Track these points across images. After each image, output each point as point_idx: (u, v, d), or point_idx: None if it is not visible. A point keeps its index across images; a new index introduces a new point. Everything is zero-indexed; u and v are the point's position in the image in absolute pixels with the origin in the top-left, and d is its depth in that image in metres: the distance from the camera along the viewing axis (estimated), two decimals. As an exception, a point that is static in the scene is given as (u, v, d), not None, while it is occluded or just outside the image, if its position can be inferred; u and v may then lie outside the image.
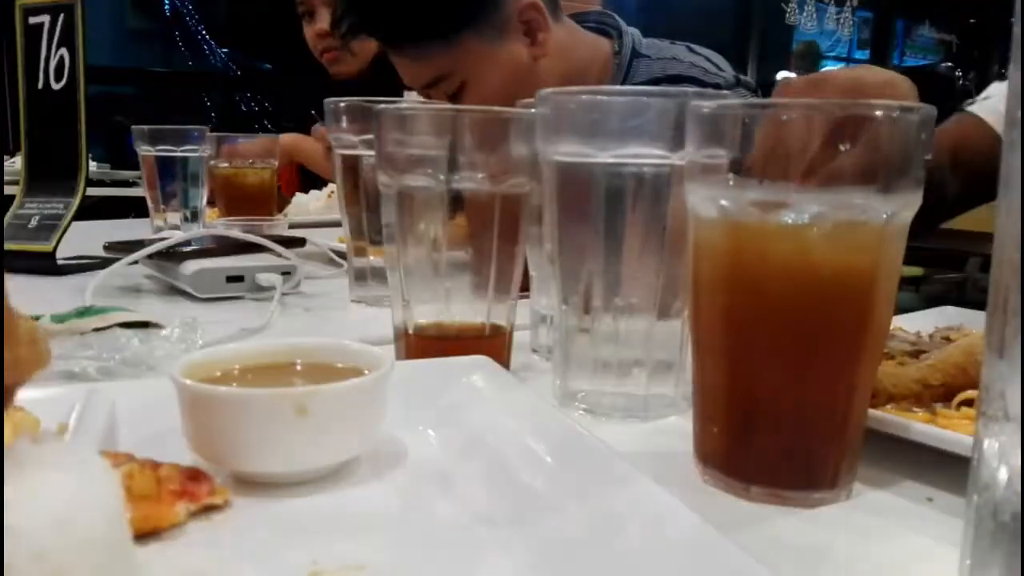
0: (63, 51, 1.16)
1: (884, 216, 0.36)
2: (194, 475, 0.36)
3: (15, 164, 1.87)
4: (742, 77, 1.16)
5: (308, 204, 1.57)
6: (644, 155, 0.48)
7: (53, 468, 0.24)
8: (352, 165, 0.84)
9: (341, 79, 1.70)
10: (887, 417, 0.43)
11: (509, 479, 0.39)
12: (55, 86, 1.14)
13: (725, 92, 1.10)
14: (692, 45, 1.19)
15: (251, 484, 0.38)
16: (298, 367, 0.44)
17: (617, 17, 1.24)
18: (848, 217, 0.36)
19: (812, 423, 0.39)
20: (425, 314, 0.59)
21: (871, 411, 0.42)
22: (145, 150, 1.30)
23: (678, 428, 0.49)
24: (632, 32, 1.21)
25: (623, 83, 1.14)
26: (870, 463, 0.43)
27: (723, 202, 0.39)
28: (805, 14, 5.47)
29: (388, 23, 1.11)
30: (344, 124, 0.83)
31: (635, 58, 1.16)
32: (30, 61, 1.18)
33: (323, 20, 1.59)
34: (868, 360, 0.39)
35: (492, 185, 0.57)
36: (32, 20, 1.21)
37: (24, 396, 0.29)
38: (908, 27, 6.00)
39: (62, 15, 1.18)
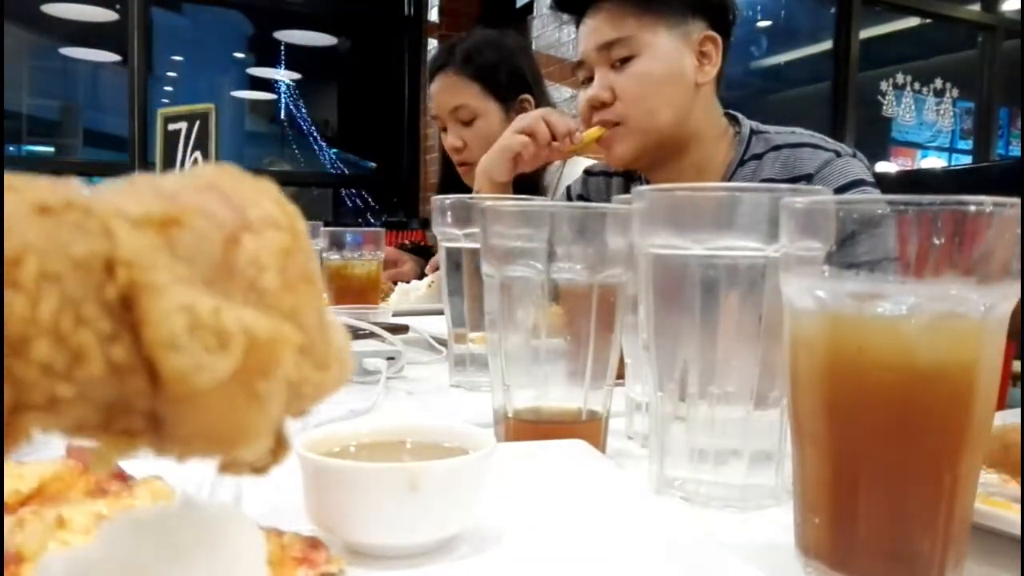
0: (197, 153, 1.29)
1: (982, 308, 0.37)
2: (313, 544, 0.39)
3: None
4: (856, 151, 1.19)
5: (410, 293, 1.64)
6: (738, 247, 0.50)
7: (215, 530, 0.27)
8: (455, 258, 0.89)
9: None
10: (995, 512, 0.42)
11: (604, 563, 0.39)
12: (189, 185, 1.26)
13: (845, 158, 1.13)
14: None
15: (363, 555, 0.41)
16: (408, 445, 0.47)
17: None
18: (945, 309, 0.37)
19: (915, 516, 0.38)
20: (524, 399, 0.61)
21: (979, 506, 0.41)
22: (263, 243, 1.39)
23: (778, 519, 0.49)
24: (749, 121, 1.26)
25: (744, 154, 1.20)
26: (980, 559, 0.42)
27: (819, 293, 0.40)
28: (903, 106, 5.41)
29: None
30: (449, 219, 0.89)
31: (754, 134, 1.21)
32: (168, 163, 1.31)
33: (454, 136, 1.71)
34: (971, 453, 0.38)
35: (589, 275, 0.59)
36: (171, 127, 1.35)
37: (157, 465, 0.32)
38: (1012, 115, 5.84)
39: (198, 122, 1.32)
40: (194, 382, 0.18)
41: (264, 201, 0.22)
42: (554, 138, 1.33)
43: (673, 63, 1.18)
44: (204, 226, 0.20)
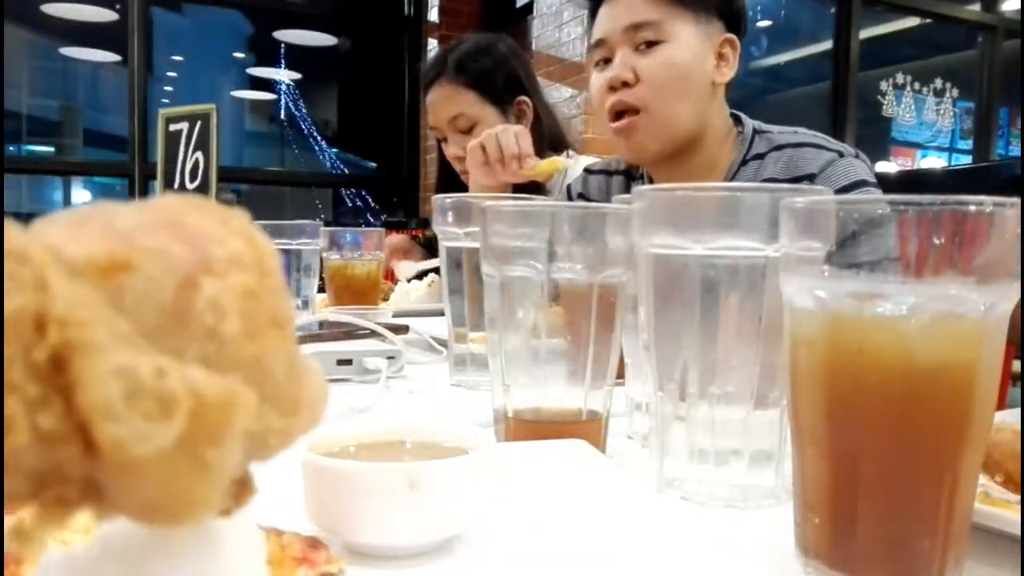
0: (198, 154, 1.29)
1: (982, 308, 0.37)
2: (313, 544, 0.39)
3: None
4: (859, 151, 1.19)
5: (410, 293, 1.64)
6: (738, 247, 0.50)
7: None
8: (456, 257, 0.89)
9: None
10: (995, 512, 0.42)
11: (604, 563, 0.39)
12: (189, 186, 1.26)
13: (848, 159, 1.13)
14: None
15: (363, 555, 0.41)
16: (408, 445, 0.47)
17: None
18: (945, 309, 0.37)
19: (915, 516, 0.38)
20: (524, 398, 0.61)
21: (979, 506, 0.41)
22: (264, 243, 1.40)
23: (778, 519, 0.49)
24: (752, 120, 1.27)
25: (746, 154, 1.20)
26: (980, 559, 0.42)
27: (819, 293, 0.40)
28: (903, 106, 5.41)
29: None
30: (450, 218, 0.89)
31: (756, 134, 1.22)
32: (169, 163, 1.31)
33: (456, 145, 1.71)
34: (971, 453, 0.38)
35: (589, 275, 0.60)
36: (173, 127, 1.36)
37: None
38: (1012, 115, 5.84)
39: (199, 122, 1.32)
40: (133, 452, 0.17)
41: (230, 238, 0.21)
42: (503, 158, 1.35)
43: (697, 56, 1.18)
44: (156, 271, 0.19)
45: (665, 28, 1.16)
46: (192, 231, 0.20)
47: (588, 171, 1.44)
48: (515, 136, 1.39)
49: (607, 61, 1.21)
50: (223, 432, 0.18)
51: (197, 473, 0.18)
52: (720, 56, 1.20)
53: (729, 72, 1.21)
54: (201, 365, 0.19)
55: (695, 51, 1.18)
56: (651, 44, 1.17)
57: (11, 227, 0.18)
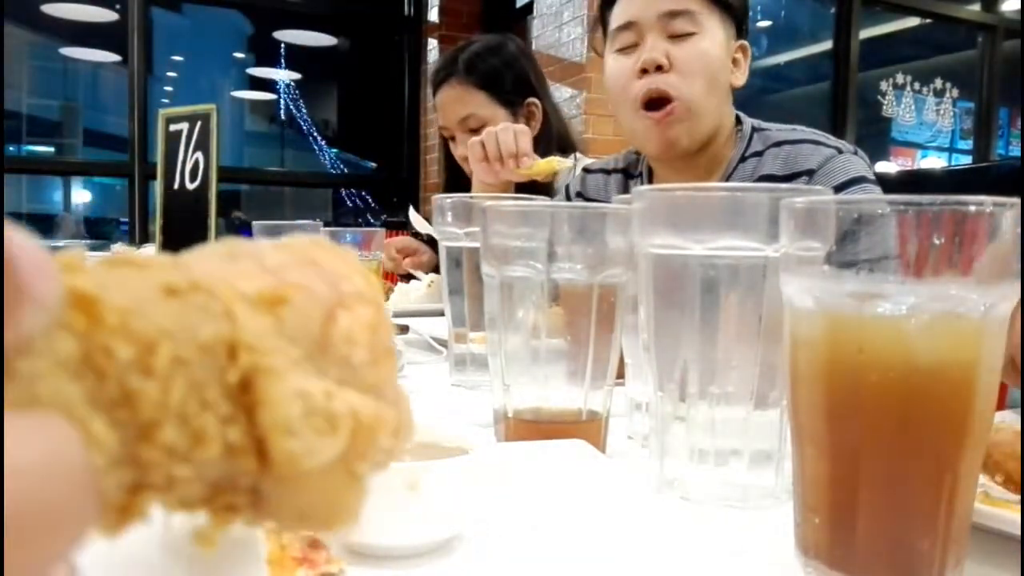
0: (198, 154, 1.29)
1: (982, 308, 0.37)
2: (313, 544, 0.39)
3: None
4: (857, 148, 1.19)
5: (410, 293, 1.64)
6: (738, 247, 0.50)
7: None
8: (456, 257, 0.89)
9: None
10: (995, 512, 0.42)
11: (604, 562, 0.39)
12: (189, 186, 1.26)
13: (847, 155, 1.13)
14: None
15: (363, 555, 0.41)
16: (408, 445, 0.47)
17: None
18: (945, 309, 0.37)
19: (915, 516, 0.38)
20: (524, 399, 0.61)
21: (979, 506, 0.41)
22: (264, 243, 1.40)
23: (778, 519, 0.49)
24: (750, 119, 1.27)
25: (745, 151, 1.20)
26: (980, 559, 0.42)
27: (819, 293, 0.40)
28: (903, 106, 5.41)
29: None
30: (450, 218, 0.89)
31: (755, 131, 1.23)
32: (169, 163, 1.31)
33: (464, 146, 1.71)
34: (971, 453, 0.38)
35: (589, 275, 0.60)
36: (173, 127, 1.36)
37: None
38: (1012, 115, 5.84)
39: (199, 122, 1.32)
40: (303, 465, 0.19)
41: (353, 275, 0.23)
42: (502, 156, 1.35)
43: (724, 54, 1.18)
44: (307, 304, 0.21)
45: (699, 20, 1.15)
46: (327, 268, 0.23)
47: (586, 170, 1.44)
48: (515, 134, 1.38)
49: (632, 47, 1.17)
50: (372, 447, 0.21)
51: (350, 485, 0.21)
52: (734, 61, 1.20)
53: (742, 77, 1.21)
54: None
55: (724, 48, 1.17)
56: (684, 35, 1.15)
57: (190, 263, 0.20)
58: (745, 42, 1.21)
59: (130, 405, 0.17)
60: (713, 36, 1.16)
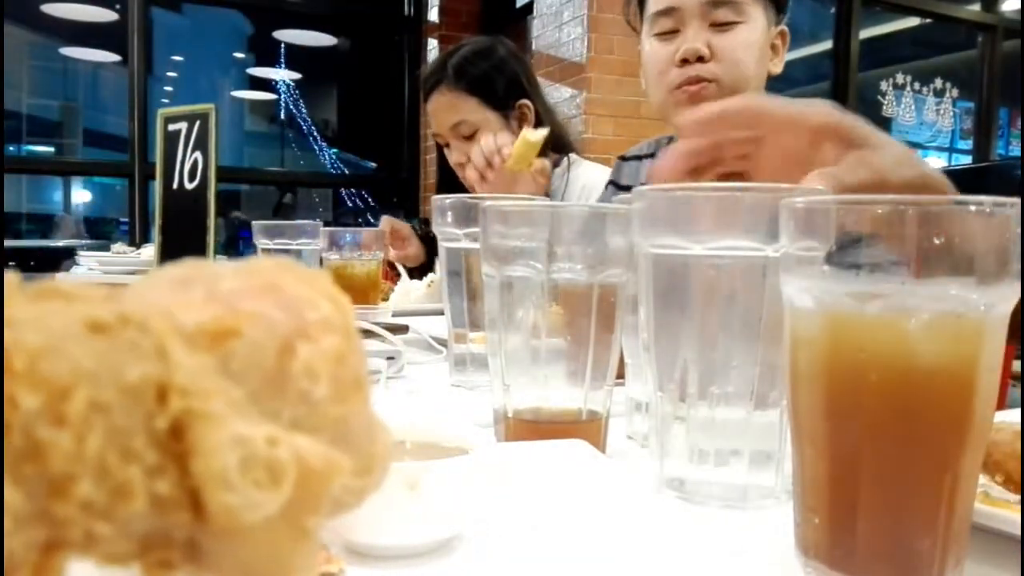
0: (197, 154, 1.29)
1: (982, 308, 0.37)
2: (313, 543, 0.39)
3: (139, 256, 2.06)
4: None
5: (410, 293, 1.64)
6: (738, 247, 0.50)
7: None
8: (455, 257, 0.89)
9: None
10: (995, 512, 0.42)
11: (604, 563, 0.39)
12: (188, 186, 1.26)
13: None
14: None
15: (363, 555, 0.41)
16: (407, 445, 0.47)
17: None
18: (945, 309, 0.37)
19: (915, 516, 0.38)
20: (524, 399, 0.61)
21: (979, 506, 0.41)
22: (264, 244, 1.40)
23: (778, 519, 0.49)
24: None
25: None
26: (980, 559, 0.42)
27: (819, 293, 0.40)
28: (903, 106, 5.41)
29: None
30: (449, 219, 0.89)
31: None
32: (168, 163, 1.31)
33: (458, 152, 1.71)
34: (971, 453, 0.38)
35: (589, 275, 0.60)
36: (172, 127, 1.36)
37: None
38: (1012, 115, 5.85)
39: (198, 122, 1.32)
40: (242, 519, 0.18)
41: (321, 301, 0.21)
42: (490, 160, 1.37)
43: (765, 43, 1.17)
44: (260, 336, 0.19)
45: (743, 9, 1.14)
46: (289, 295, 0.21)
47: (623, 158, 1.45)
48: (492, 137, 1.42)
49: (671, 32, 1.16)
50: (323, 498, 0.19)
51: (297, 540, 0.19)
52: (772, 47, 1.19)
53: (780, 64, 1.20)
54: (292, 428, 0.19)
55: (765, 37, 1.16)
56: (727, 25, 1.13)
57: (121, 295, 0.18)
58: (784, 27, 1.19)
59: (39, 458, 0.16)
60: (755, 25, 1.15)
